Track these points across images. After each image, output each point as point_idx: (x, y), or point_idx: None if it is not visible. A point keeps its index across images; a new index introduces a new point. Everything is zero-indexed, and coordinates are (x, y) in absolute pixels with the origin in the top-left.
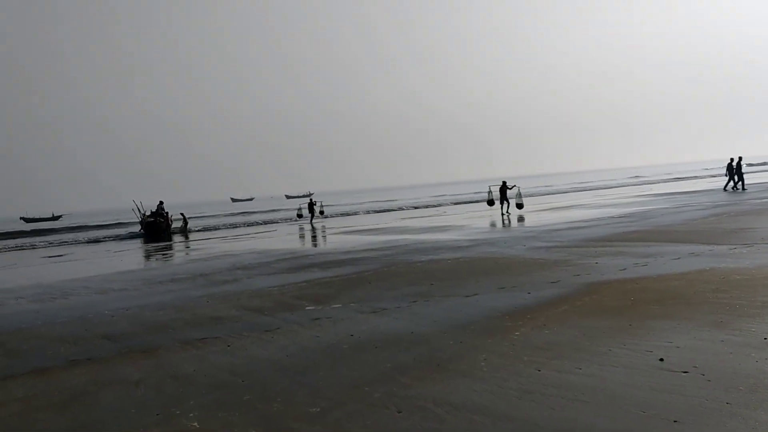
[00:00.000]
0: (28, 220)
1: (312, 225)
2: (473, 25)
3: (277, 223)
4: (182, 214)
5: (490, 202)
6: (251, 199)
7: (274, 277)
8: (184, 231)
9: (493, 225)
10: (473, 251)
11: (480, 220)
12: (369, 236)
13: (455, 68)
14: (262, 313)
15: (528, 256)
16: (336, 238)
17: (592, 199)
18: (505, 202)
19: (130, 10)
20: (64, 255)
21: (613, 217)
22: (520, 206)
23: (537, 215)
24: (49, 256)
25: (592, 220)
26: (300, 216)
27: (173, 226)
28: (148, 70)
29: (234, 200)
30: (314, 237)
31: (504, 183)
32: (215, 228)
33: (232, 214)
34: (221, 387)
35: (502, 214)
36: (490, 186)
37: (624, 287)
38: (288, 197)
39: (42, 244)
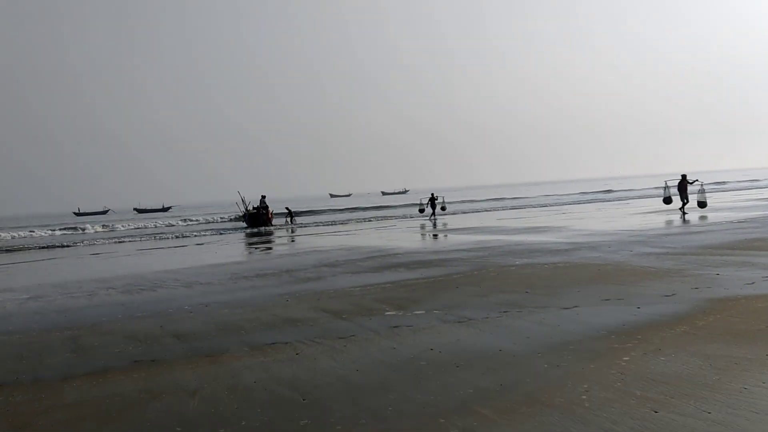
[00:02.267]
0: (140, 211)
1: (433, 221)
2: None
3: (397, 218)
4: (287, 208)
5: (667, 200)
6: (349, 195)
7: (359, 276)
8: (290, 224)
9: (668, 222)
10: (573, 255)
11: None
12: (462, 235)
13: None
14: (339, 316)
15: (636, 264)
16: (429, 237)
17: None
18: (684, 199)
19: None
20: (164, 246)
21: (731, 222)
22: (702, 205)
23: (642, 217)
24: (147, 248)
25: (706, 224)
26: (422, 211)
27: (281, 220)
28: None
29: (332, 196)
30: (429, 232)
31: (684, 177)
32: (323, 223)
33: (347, 209)
34: (279, 405)
35: (684, 213)
36: (666, 181)
37: (754, 306)
38: (384, 194)
39: (147, 234)
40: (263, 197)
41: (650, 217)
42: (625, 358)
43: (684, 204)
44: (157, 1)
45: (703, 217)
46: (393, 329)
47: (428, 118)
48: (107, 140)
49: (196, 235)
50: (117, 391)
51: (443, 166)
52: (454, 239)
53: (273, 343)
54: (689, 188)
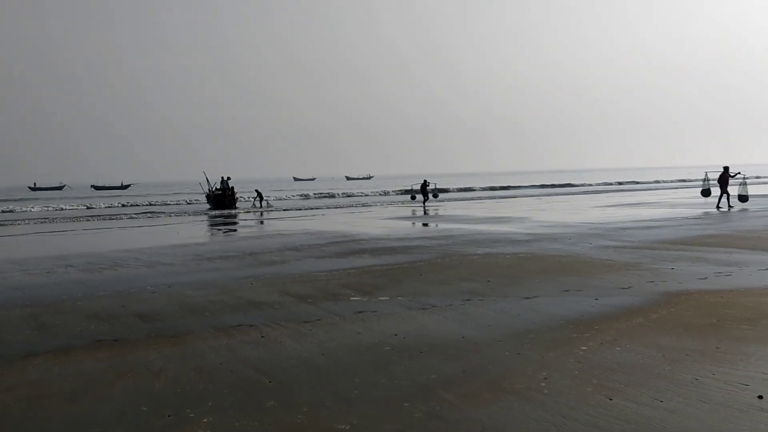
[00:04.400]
0: (98, 188)
1: (424, 208)
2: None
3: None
4: (257, 190)
5: (705, 192)
6: (313, 179)
7: (324, 261)
8: (259, 207)
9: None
10: (534, 246)
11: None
12: (429, 223)
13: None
14: (304, 300)
15: (595, 256)
16: (390, 223)
17: (662, 198)
18: (724, 192)
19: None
20: (124, 224)
21: (687, 218)
22: (743, 198)
23: (603, 211)
24: (107, 227)
25: (664, 219)
26: (413, 198)
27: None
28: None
29: (296, 179)
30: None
31: (726, 169)
32: (299, 208)
33: (327, 196)
34: (245, 387)
35: (718, 207)
36: (706, 172)
37: (707, 300)
38: (348, 178)
39: (107, 211)
40: (227, 178)
41: (610, 210)
42: (582, 348)
43: (723, 197)
44: None
45: (743, 209)
46: (358, 314)
47: (409, 105)
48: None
49: (157, 216)
50: (81, 369)
51: (416, 153)
52: (420, 227)
53: (238, 326)
54: (730, 180)
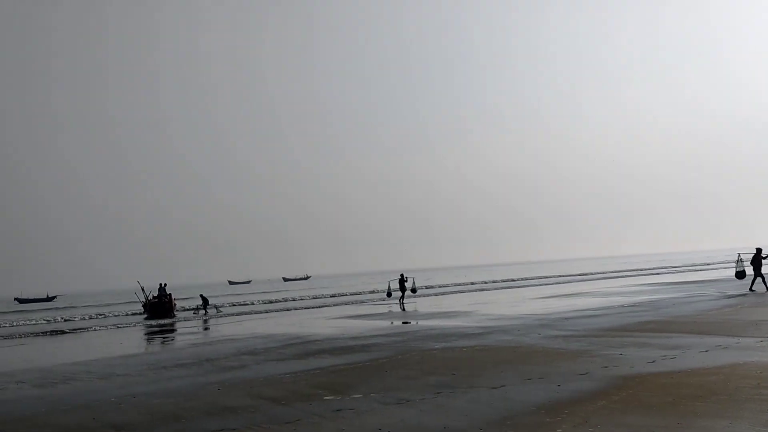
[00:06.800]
0: (21, 301)
1: (402, 305)
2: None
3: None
4: (201, 295)
5: (740, 274)
6: (248, 282)
7: (284, 363)
8: (206, 313)
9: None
10: (488, 339)
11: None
12: (375, 321)
13: None
14: (278, 402)
15: (547, 345)
16: (339, 323)
17: (594, 287)
18: (759, 276)
19: None
20: (62, 337)
21: (623, 306)
22: (740, 275)
23: (543, 302)
24: (45, 336)
25: (602, 308)
26: (389, 295)
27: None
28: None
29: (231, 282)
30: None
31: (758, 251)
32: (236, 313)
33: (283, 300)
34: None
35: (751, 289)
36: (739, 254)
37: (659, 381)
38: (285, 279)
39: (40, 322)
40: (163, 285)
41: (549, 301)
42: (558, 430)
43: (757, 279)
44: None
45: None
46: (336, 413)
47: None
48: None
49: (93, 329)
50: None
51: (330, 253)
52: (370, 324)
53: (220, 430)
54: (764, 262)
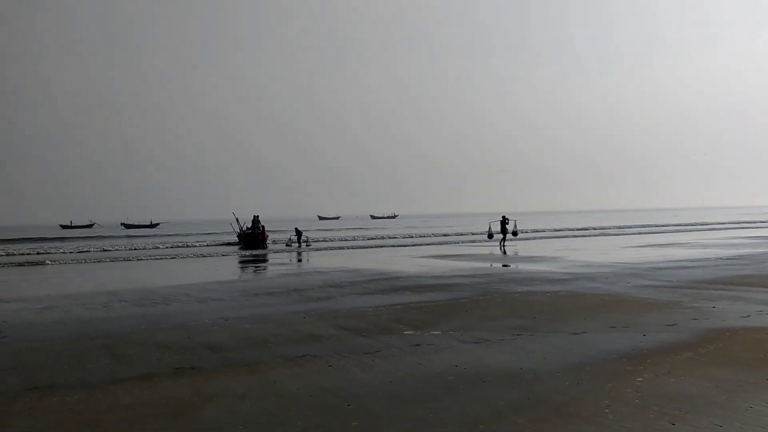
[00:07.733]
0: (128, 226)
1: (502, 247)
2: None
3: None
4: (296, 228)
5: None
6: (338, 218)
7: (368, 297)
8: (299, 246)
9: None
10: (573, 285)
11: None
12: (460, 262)
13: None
14: (360, 334)
15: (636, 295)
16: (425, 261)
17: (690, 238)
18: None
19: None
20: (163, 261)
21: (721, 259)
22: None
23: (635, 251)
24: (148, 260)
25: (698, 260)
26: (491, 236)
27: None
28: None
29: (321, 218)
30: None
31: None
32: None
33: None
34: (327, 410)
35: None
36: None
37: (751, 336)
38: (373, 217)
39: (143, 247)
40: (256, 216)
41: (643, 251)
42: (638, 379)
43: None
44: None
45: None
46: (415, 347)
47: (422, 142)
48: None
49: (192, 256)
50: (170, 394)
51: (435, 192)
52: (452, 264)
53: (303, 356)
54: None
